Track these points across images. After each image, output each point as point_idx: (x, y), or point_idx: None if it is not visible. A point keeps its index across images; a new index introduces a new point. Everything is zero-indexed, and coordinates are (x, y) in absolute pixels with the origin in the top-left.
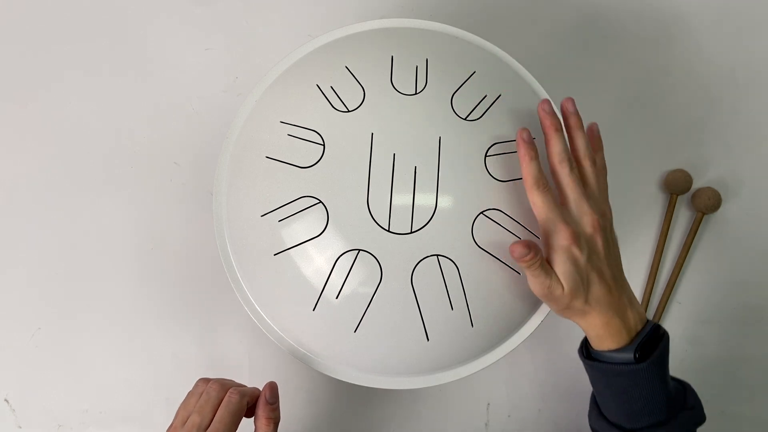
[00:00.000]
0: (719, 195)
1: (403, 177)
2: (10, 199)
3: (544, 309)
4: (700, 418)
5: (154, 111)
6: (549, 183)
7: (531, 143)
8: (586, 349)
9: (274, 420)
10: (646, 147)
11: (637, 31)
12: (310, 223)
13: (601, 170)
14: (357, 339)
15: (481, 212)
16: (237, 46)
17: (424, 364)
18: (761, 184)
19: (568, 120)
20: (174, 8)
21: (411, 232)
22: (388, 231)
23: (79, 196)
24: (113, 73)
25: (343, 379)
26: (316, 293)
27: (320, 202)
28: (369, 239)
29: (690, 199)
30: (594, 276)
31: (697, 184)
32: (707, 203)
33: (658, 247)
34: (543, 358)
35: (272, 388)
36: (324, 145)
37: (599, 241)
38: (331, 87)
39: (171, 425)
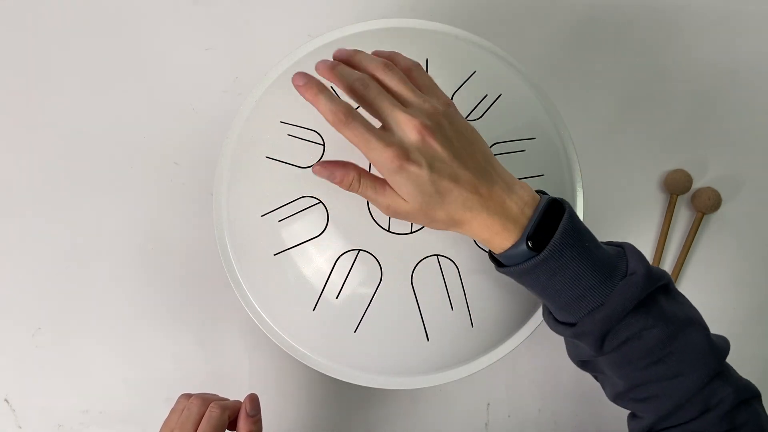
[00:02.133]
0: (719, 195)
1: None
2: (10, 199)
3: None
4: (642, 283)
5: (155, 111)
6: (355, 112)
7: (310, 77)
8: (494, 260)
9: None
10: (646, 147)
11: (637, 31)
12: (310, 223)
13: (411, 68)
14: (357, 339)
15: None
16: (237, 46)
17: (424, 364)
18: (761, 184)
19: (354, 64)
20: (174, 8)
21: (411, 232)
22: (388, 231)
23: (79, 196)
24: (113, 73)
25: (343, 379)
26: (316, 293)
27: (320, 202)
28: (369, 239)
29: (690, 199)
30: (446, 183)
31: (697, 184)
32: (707, 203)
33: (658, 247)
34: (543, 358)
35: (253, 400)
36: (324, 145)
37: (435, 145)
38: (332, 87)
39: None
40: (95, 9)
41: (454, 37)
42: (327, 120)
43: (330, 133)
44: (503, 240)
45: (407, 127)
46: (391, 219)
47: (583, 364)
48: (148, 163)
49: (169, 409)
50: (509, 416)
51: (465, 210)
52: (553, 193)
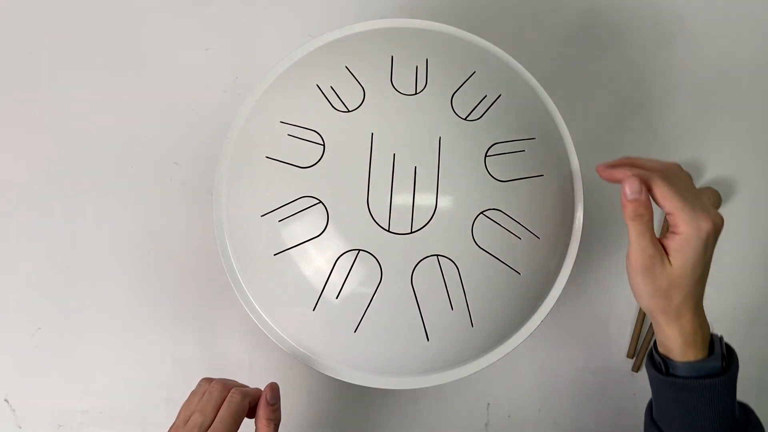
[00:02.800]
0: (719, 195)
1: (403, 177)
2: (10, 198)
3: (545, 309)
4: None
5: (154, 111)
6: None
7: (639, 202)
8: (665, 365)
9: (275, 421)
10: (646, 147)
11: (637, 32)
12: (310, 223)
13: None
14: (357, 339)
15: (481, 212)
16: (237, 46)
17: (424, 364)
18: (761, 184)
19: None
20: (174, 8)
21: (411, 232)
22: (388, 231)
23: (79, 196)
24: (113, 73)
25: (343, 379)
26: (316, 293)
27: (320, 202)
28: (369, 239)
29: None
30: (702, 272)
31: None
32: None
33: None
34: (543, 358)
35: (273, 389)
36: (324, 145)
37: (711, 240)
38: (331, 87)
39: (173, 424)
40: (95, 9)
41: (454, 37)
42: (657, 199)
43: (330, 133)
44: (699, 350)
45: (717, 218)
46: (391, 219)
47: None
48: (148, 163)
49: (169, 408)
50: (509, 416)
51: (692, 304)
52: (554, 192)
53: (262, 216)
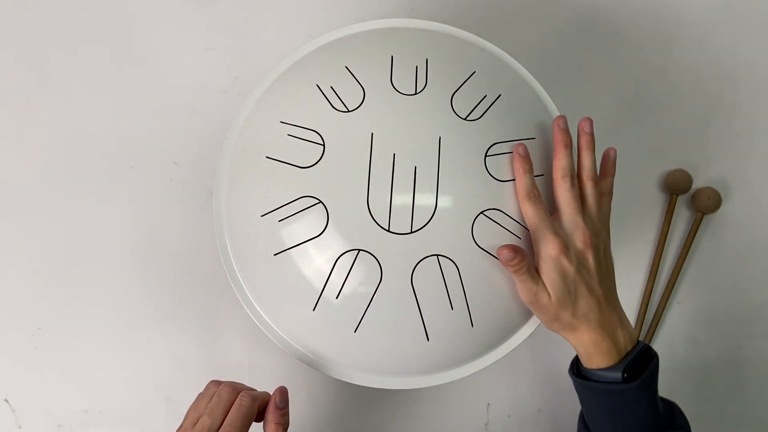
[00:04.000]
0: (719, 195)
1: (403, 177)
2: (10, 198)
3: None
4: None
5: (155, 111)
6: (541, 197)
7: (527, 157)
8: (576, 367)
9: (284, 425)
10: (646, 147)
11: (637, 31)
12: (310, 223)
13: (605, 194)
14: (357, 339)
15: (481, 212)
16: (237, 46)
17: (424, 364)
18: (761, 184)
19: (580, 138)
20: (174, 8)
21: (411, 232)
22: (388, 231)
23: (79, 196)
24: (113, 73)
25: (343, 379)
26: (316, 293)
27: (320, 202)
28: (369, 239)
29: (690, 199)
30: (583, 289)
31: (697, 184)
32: (707, 203)
33: (658, 247)
34: (543, 358)
35: (282, 393)
36: (324, 145)
37: (590, 258)
38: (331, 87)
39: (180, 426)
40: (95, 9)
41: (454, 37)
42: (518, 193)
43: (330, 133)
44: (602, 360)
45: (579, 233)
46: (391, 218)
47: None
48: (148, 163)
49: (169, 408)
50: (509, 416)
51: (585, 319)
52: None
53: (262, 216)
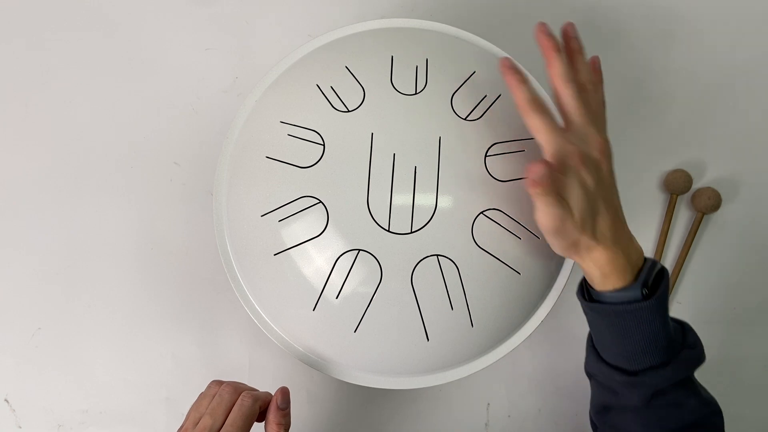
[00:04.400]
0: (719, 195)
1: (403, 177)
2: (10, 199)
3: (544, 309)
4: (700, 357)
5: (154, 111)
6: (545, 105)
7: (516, 68)
8: (587, 292)
9: (285, 425)
10: (646, 147)
11: (637, 31)
12: (310, 223)
13: (602, 101)
14: (357, 339)
15: (481, 212)
16: (237, 46)
17: (424, 364)
18: (761, 184)
19: (569, 43)
20: (174, 8)
21: (411, 232)
22: (388, 231)
23: (79, 196)
24: (113, 73)
25: (343, 379)
26: (316, 293)
27: (320, 202)
28: (369, 239)
29: (690, 199)
30: (601, 205)
31: (697, 184)
32: (707, 203)
33: (658, 247)
34: (543, 358)
35: (284, 393)
36: (324, 145)
37: (605, 167)
38: (331, 87)
39: (182, 426)
40: (95, 9)
41: (454, 37)
42: (519, 106)
43: (330, 133)
44: (619, 280)
45: (594, 141)
46: (391, 218)
47: (604, 411)
48: (148, 163)
49: (169, 408)
50: (509, 416)
51: (603, 237)
52: None
53: (262, 216)
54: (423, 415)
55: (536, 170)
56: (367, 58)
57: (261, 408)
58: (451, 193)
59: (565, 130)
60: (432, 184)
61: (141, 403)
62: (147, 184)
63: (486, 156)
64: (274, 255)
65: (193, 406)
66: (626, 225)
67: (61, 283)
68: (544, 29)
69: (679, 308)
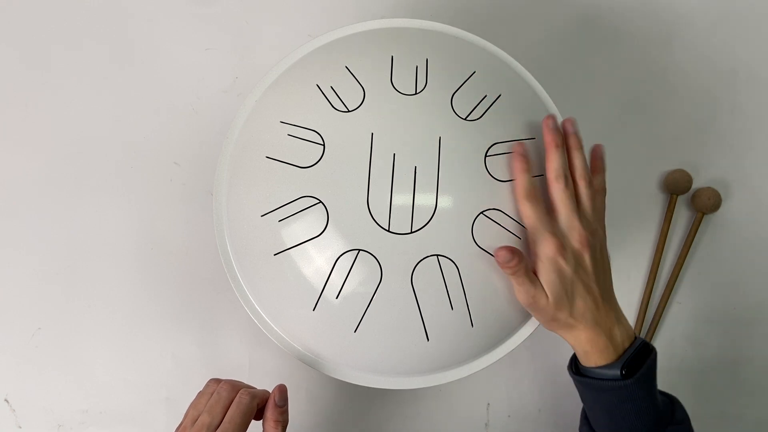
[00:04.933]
0: (719, 195)
1: (403, 177)
2: (10, 199)
3: None
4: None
5: (154, 111)
6: (539, 197)
7: (526, 156)
8: (575, 365)
9: (283, 423)
10: (646, 147)
11: (637, 32)
12: (310, 223)
13: (599, 192)
14: (357, 339)
15: (481, 212)
16: (237, 46)
17: (424, 364)
18: (761, 184)
19: (568, 140)
20: (174, 8)
21: (411, 232)
22: (388, 231)
23: (79, 196)
24: (113, 73)
25: (343, 379)
26: (316, 293)
27: (320, 202)
28: (369, 239)
29: (690, 199)
30: (580, 288)
31: (697, 184)
32: (707, 203)
33: (658, 247)
34: (543, 358)
35: (282, 391)
36: (324, 145)
37: (586, 257)
38: (331, 87)
39: (180, 424)
40: (95, 9)
41: (454, 37)
42: (516, 192)
43: (330, 133)
44: (601, 358)
45: (575, 233)
46: (391, 218)
47: None
48: (148, 163)
49: (169, 408)
50: (509, 416)
51: (582, 318)
52: None
53: (262, 216)
54: (423, 415)
55: (501, 255)
56: (367, 58)
57: (259, 405)
58: (451, 193)
59: (552, 219)
60: (432, 184)
61: (141, 403)
62: (147, 184)
63: (486, 156)
64: (274, 255)
65: (191, 404)
66: (614, 307)
67: (61, 283)
68: (549, 123)
69: (679, 308)
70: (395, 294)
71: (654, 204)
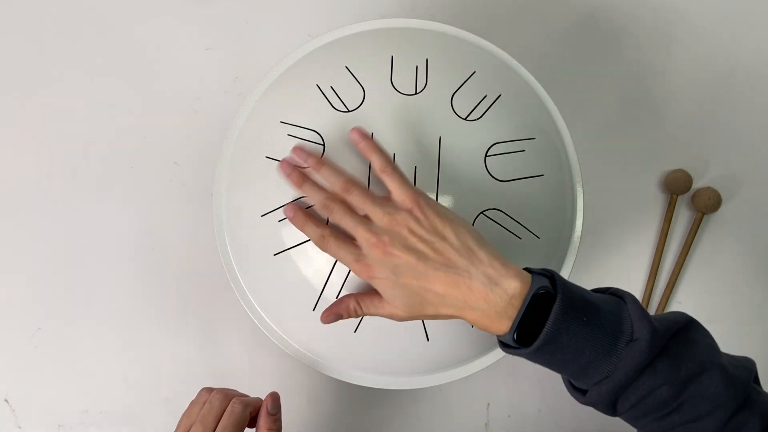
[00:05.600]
0: (719, 195)
1: None
2: (10, 199)
3: None
4: (650, 348)
5: (154, 111)
6: (330, 234)
7: (296, 211)
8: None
9: (276, 431)
10: (646, 147)
11: (637, 31)
12: None
13: (384, 167)
14: (357, 339)
15: (481, 212)
16: (237, 46)
17: (424, 364)
18: (761, 184)
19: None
20: (174, 8)
21: None
22: None
23: (79, 196)
24: (113, 73)
25: (344, 379)
26: (316, 293)
27: None
28: None
29: (690, 199)
30: (416, 283)
31: (697, 184)
32: (707, 203)
33: (658, 247)
34: None
35: (274, 398)
36: (324, 145)
37: (396, 253)
38: (331, 87)
39: None
40: (95, 9)
41: (454, 37)
42: (314, 242)
43: (330, 133)
44: (497, 329)
45: (368, 244)
46: None
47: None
48: (148, 163)
49: (169, 408)
50: (509, 416)
51: (449, 307)
52: (554, 192)
53: (262, 216)
54: (423, 415)
55: (325, 320)
56: (367, 58)
57: (252, 414)
58: (451, 193)
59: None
60: (432, 184)
61: (141, 403)
62: (147, 184)
63: (486, 156)
64: (274, 255)
65: (184, 413)
66: (478, 271)
67: (60, 283)
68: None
69: (679, 308)
70: None
71: (654, 204)
